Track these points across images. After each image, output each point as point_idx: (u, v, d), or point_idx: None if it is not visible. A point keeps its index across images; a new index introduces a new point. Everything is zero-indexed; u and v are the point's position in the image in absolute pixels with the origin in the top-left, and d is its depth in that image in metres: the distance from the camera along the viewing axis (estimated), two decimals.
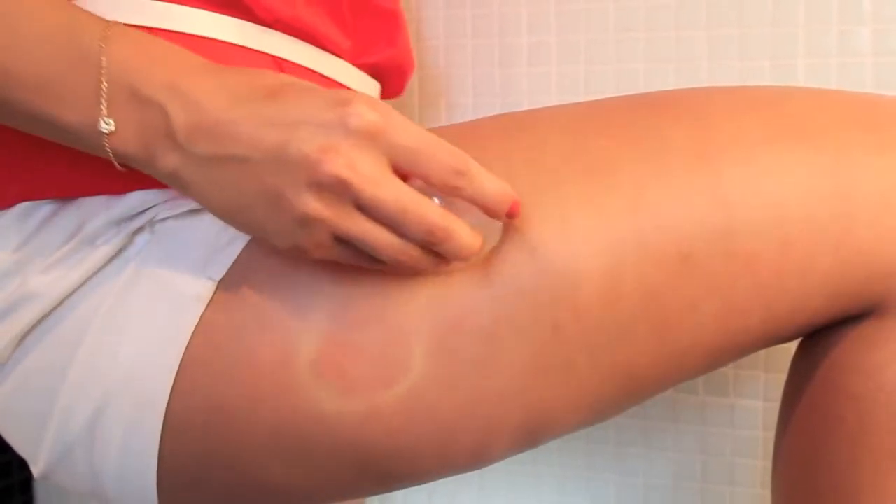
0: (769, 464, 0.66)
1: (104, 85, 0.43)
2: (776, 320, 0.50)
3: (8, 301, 0.49)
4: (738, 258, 0.48)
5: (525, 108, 0.81)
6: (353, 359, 0.47)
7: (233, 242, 0.49)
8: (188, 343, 0.48)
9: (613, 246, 0.48)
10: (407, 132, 0.43)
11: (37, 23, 0.44)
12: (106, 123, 0.44)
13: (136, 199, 0.48)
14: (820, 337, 0.53)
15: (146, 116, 0.44)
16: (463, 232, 0.44)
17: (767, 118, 0.50)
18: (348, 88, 0.61)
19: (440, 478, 0.53)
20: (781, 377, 0.58)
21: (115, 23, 0.45)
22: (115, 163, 0.45)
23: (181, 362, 0.48)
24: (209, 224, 0.49)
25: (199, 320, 0.48)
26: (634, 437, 0.86)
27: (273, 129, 0.43)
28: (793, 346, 0.57)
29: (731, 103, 0.51)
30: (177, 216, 0.49)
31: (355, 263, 0.46)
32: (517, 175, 0.48)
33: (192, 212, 0.49)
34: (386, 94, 0.69)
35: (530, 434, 0.51)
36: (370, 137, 0.42)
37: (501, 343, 0.48)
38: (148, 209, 0.49)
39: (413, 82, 0.86)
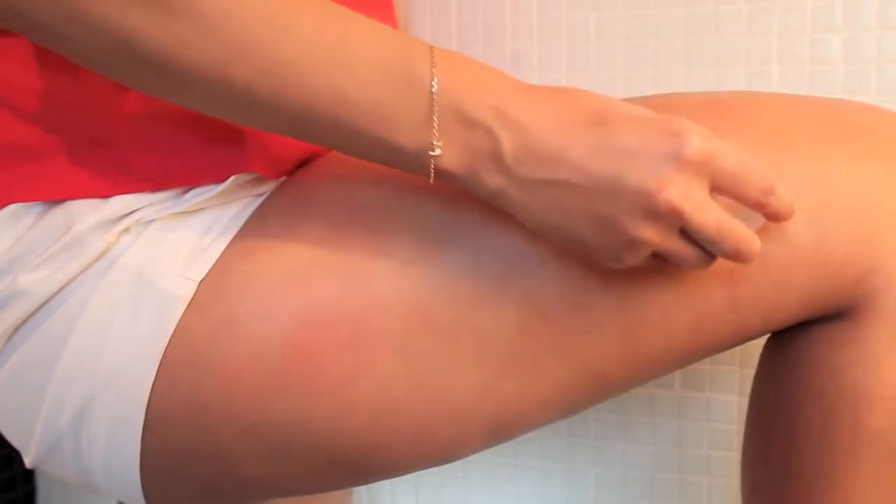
0: None
1: (436, 110, 0.43)
2: (748, 329, 0.50)
3: None
4: (713, 272, 0.47)
5: None
6: (319, 359, 0.47)
7: (214, 244, 0.49)
8: (168, 342, 0.48)
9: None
10: (729, 158, 0.43)
11: (371, 50, 0.43)
12: (438, 149, 0.43)
13: (122, 201, 0.48)
14: (788, 335, 0.53)
15: (473, 139, 0.43)
16: (756, 243, 0.44)
17: (743, 128, 0.49)
18: None
19: (417, 470, 0.52)
20: None
21: (435, 47, 0.44)
22: (431, 178, 0.45)
23: (162, 360, 0.48)
24: (192, 227, 0.49)
25: (180, 320, 0.48)
26: (613, 430, 0.86)
27: (605, 157, 0.42)
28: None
29: (701, 107, 0.51)
30: (161, 219, 0.49)
31: (653, 267, 0.47)
32: None
33: (176, 215, 0.49)
34: None
35: (502, 429, 0.51)
36: (700, 167, 0.42)
37: (463, 343, 0.47)
38: (134, 211, 0.49)
39: None
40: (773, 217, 0.45)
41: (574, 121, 0.43)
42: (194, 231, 0.49)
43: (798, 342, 0.52)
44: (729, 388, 0.82)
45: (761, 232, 0.46)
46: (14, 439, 0.53)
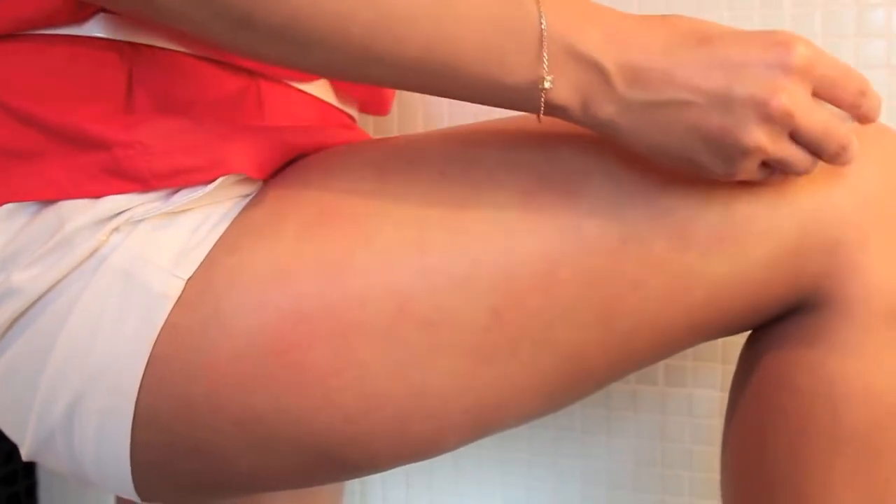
0: None
1: (545, 46, 0.43)
2: (720, 301, 0.50)
3: None
4: (679, 239, 0.48)
5: (497, 116, 0.80)
6: (301, 352, 0.47)
7: (202, 243, 0.49)
8: (156, 338, 0.48)
9: (548, 234, 0.47)
10: (829, 63, 0.44)
11: None
12: (548, 82, 0.44)
13: (112, 201, 0.48)
14: (766, 330, 0.53)
15: (583, 72, 0.44)
16: (855, 143, 0.46)
17: None
18: (328, 104, 0.61)
19: (403, 464, 0.52)
20: None
21: None
22: (540, 115, 0.45)
23: (150, 356, 0.48)
24: (181, 226, 0.49)
25: (167, 317, 0.48)
26: (598, 424, 0.86)
27: (714, 72, 0.43)
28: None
29: None
30: (150, 218, 0.49)
31: (759, 179, 0.47)
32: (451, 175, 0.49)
33: (165, 214, 0.49)
34: (371, 111, 0.70)
35: (483, 421, 0.50)
36: (804, 73, 0.43)
37: (441, 330, 0.47)
38: (124, 211, 0.48)
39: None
40: (864, 119, 0.46)
41: (680, 42, 0.44)
42: (183, 230, 0.49)
43: (774, 337, 0.52)
44: (711, 383, 0.82)
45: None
46: (11, 433, 0.53)
